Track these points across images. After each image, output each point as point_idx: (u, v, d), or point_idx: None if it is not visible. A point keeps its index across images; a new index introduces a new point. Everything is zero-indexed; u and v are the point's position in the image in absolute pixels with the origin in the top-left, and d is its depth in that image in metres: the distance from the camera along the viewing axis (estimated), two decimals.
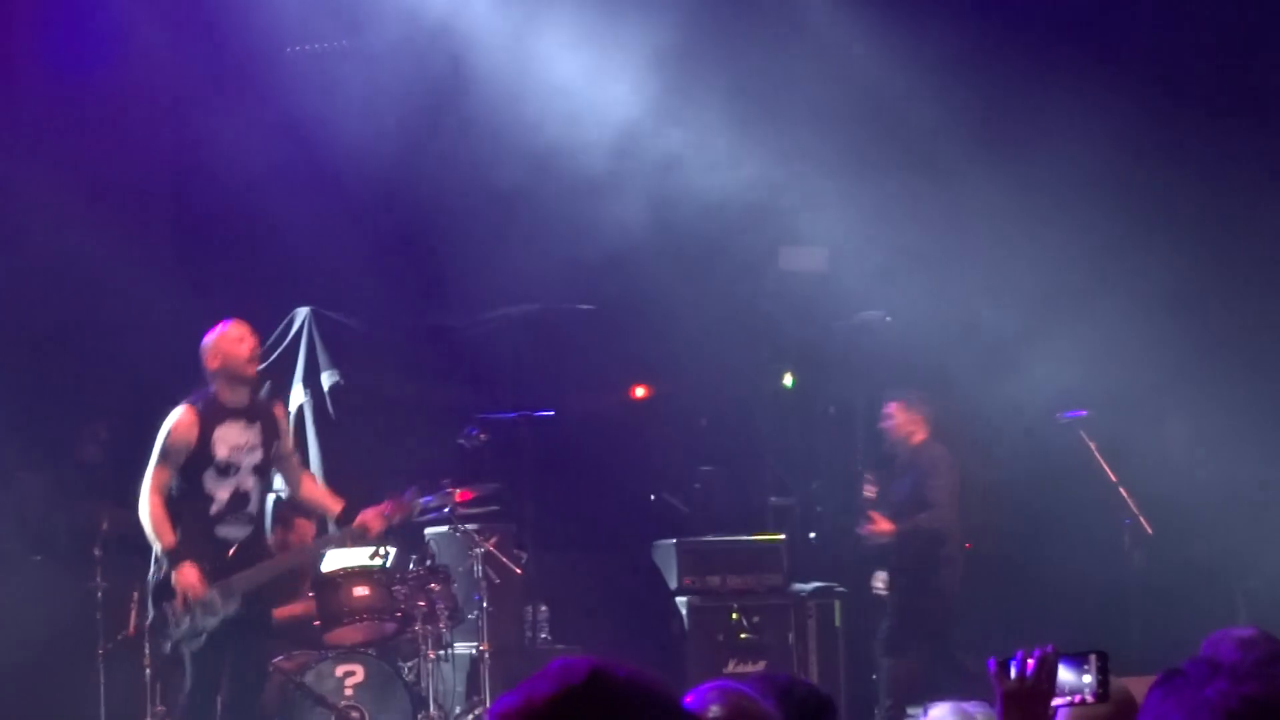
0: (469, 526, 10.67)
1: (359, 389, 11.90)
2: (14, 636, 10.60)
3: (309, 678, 9.80)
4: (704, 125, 12.00)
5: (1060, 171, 11.63)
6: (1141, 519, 11.05)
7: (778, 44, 12.20)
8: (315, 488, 9.65)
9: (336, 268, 11.96)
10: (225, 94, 11.50)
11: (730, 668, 11.32)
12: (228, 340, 9.21)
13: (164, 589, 8.97)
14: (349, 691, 9.83)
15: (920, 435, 11.36)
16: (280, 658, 9.97)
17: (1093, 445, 11.12)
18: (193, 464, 9.04)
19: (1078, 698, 3.67)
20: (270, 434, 9.29)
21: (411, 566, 10.40)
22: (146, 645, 9.68)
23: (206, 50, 11.39)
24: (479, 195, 11.84)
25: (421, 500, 9.74)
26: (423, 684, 10.04)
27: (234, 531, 9.12)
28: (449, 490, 10.49)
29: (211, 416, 9.11)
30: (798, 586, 11.95)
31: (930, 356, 11.96)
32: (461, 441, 10.91)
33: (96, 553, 10.25)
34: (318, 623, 10.06)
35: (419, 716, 9.89)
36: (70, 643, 10.31)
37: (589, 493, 12.37)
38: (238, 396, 9.20)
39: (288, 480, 9.47)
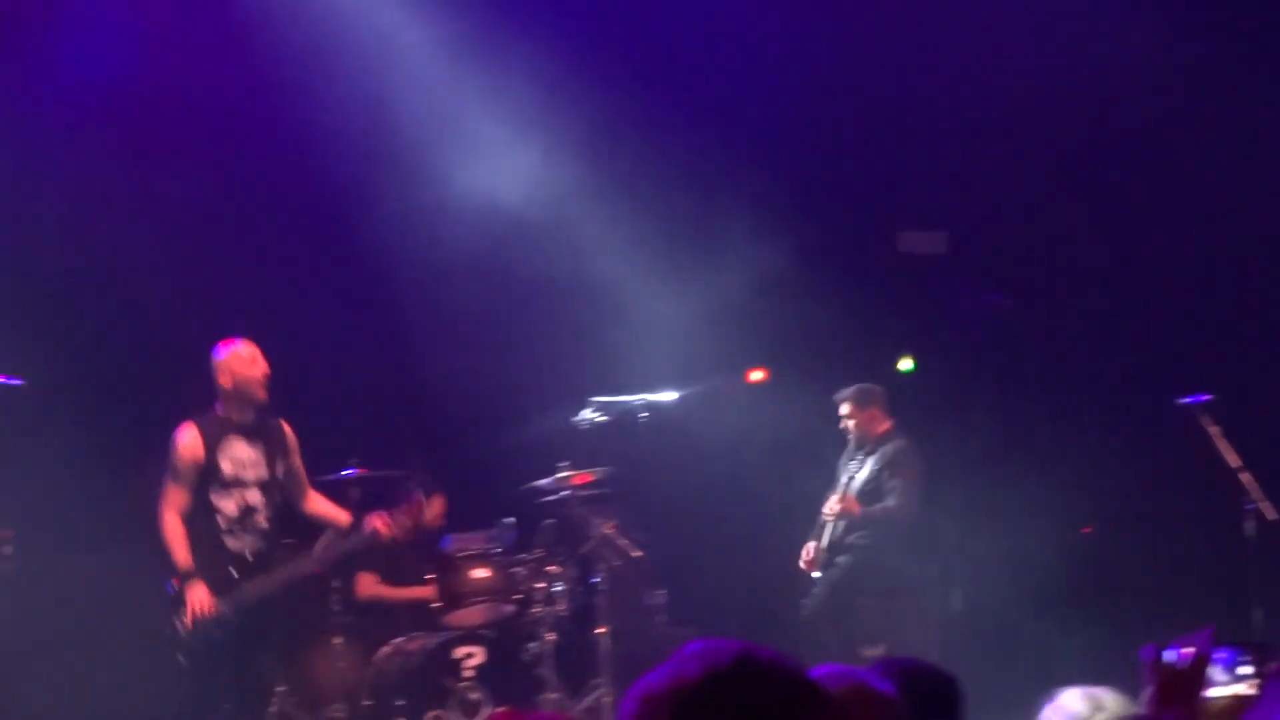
0: (587, 509, 10.69)
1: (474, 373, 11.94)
2: (103, 624, 10.64)
3: (428, 659, 9.87)
4: (820, 108, 11.96)
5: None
6: (1264, 504, 10.85)
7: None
8: (321, 503, 9.71)
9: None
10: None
11: None
12: (240, 361, 9.32)
13: (178, 602, 9.09)
14: (468, 673, 9.89)
15: (883, 425, 11.18)
16: (400, 639, 10.06)
17: (1213, 430, 10.92)
18: (201, 480, 9.18)
19: (1235, 689, 3.61)
20: (275, 451, 9.40)
21: (530, 549, 10.46)
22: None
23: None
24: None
25: (435, 508, 9.81)
26: (541, 666, 10.09)
27: (244, 544, 9.24)
28: (566, 473, 10.54)
29: (216, 433, 9.25)
30: None
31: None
32: (577, 423, 10.92)
33: None
34: (437, 604, 10.16)
35: (538, 699, 9.93)
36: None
37: (707, 476, 12.34)
38: (244, 415, 9.32)
39: (293, 497, 9.54)
